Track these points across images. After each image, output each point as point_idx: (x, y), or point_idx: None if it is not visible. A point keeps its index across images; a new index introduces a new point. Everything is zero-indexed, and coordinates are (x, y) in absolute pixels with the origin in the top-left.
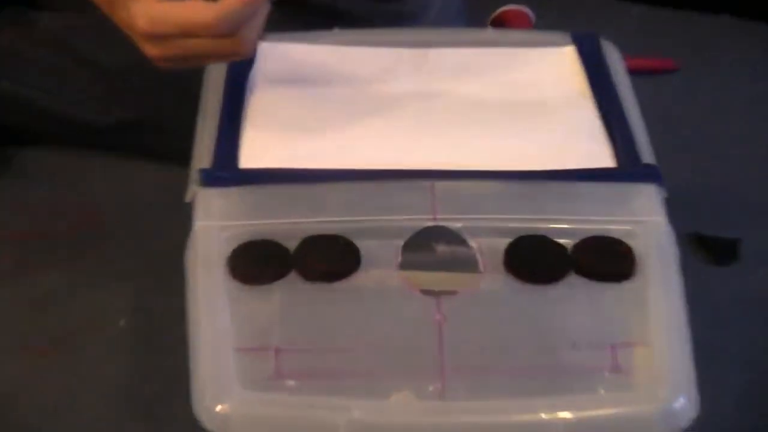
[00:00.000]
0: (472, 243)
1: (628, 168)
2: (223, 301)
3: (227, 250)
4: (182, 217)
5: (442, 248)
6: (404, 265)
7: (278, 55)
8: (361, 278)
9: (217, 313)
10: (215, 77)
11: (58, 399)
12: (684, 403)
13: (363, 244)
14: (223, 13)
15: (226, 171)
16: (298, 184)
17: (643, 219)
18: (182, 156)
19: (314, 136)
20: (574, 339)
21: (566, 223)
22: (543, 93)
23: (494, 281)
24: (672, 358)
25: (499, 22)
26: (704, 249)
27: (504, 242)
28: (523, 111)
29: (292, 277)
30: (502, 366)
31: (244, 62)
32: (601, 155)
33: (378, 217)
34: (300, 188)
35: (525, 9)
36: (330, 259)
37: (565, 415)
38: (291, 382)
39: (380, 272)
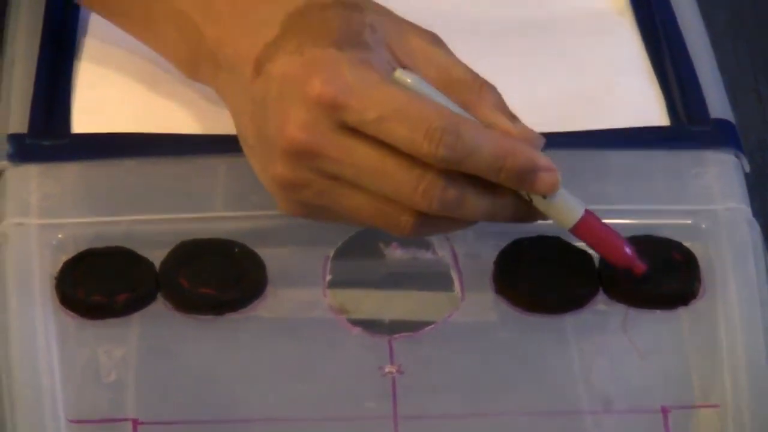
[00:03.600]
0: (442, 250)
1: (688, 126)
2: (48, 343)
3: (54, 263)
4: None
5: (394, 259)
6: (335, 286)
7: None
8: (267, 307)
9: (37, 363)
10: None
11: None
12: None
13: (270, 254)
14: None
15: (51, 137)
16: (167, 158)
17: (713, 207)
18: None
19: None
20: (606, 397)
21: None
22: (556, 9)
23: (477, 310)
24: (755, 429)
25: None
26: None
27: (493, 249)
28: (518, 36)
29: (159, 307)
30: None
31: None
32: (645, 107)
33: None
34: (170, 164)
35: None
36: (217, 276)
37: None
38: None
39: (298, 298)
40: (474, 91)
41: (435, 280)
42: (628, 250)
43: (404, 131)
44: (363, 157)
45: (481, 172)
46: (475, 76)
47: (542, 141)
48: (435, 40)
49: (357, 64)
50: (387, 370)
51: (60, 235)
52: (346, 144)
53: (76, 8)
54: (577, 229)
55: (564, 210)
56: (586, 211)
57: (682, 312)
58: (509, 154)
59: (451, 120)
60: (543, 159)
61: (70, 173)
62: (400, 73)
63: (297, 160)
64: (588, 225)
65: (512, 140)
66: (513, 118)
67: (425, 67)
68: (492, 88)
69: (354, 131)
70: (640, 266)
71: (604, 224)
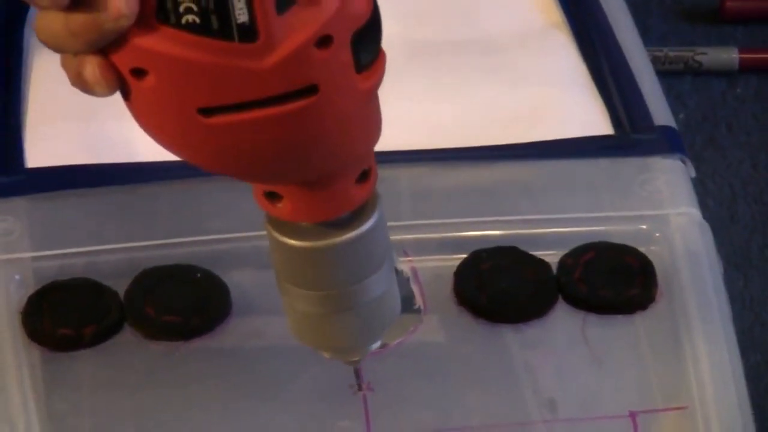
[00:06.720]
0: (402, 265)
1: (633, 135)
2: (17, 378)
3: (18, 299)
4: None
5: None
6: None
7: None
8: (233, 331)
9: (8, 398)
10: None
11: None
12: None
13: (233, 277)
14: None
15: (5, 173)
16: (124, 188)
17: (664, 212)
18: None
19: None
20: (570, 407)
21: (547, 226)
22: (494, 27)
23: (440, 323)
24: (723, 427)
25: None
26: None
27: (452, 261)
28: (461, 55)
29: (126, 336)
30: None
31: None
32: (588, 117)
33: (251, 233)
34: (126, 194)
35: None
36: (183, 303)
37: None
38: None
39: (262, 320)
40: None
41: None
42: None
43: None
44: None
45: None
46: None
47: None
48: None
49: None
50: (358, 386)
51: (23, 270)
52: None
53: (20, 45)
54: None
55: None
56: None
57: (640, 317)
58: None
59: None
60: None
61: (28, 208)
62: None
63: None
64: None
65: None
66: None
67: None
68: None
69: None
70: None
71: None
